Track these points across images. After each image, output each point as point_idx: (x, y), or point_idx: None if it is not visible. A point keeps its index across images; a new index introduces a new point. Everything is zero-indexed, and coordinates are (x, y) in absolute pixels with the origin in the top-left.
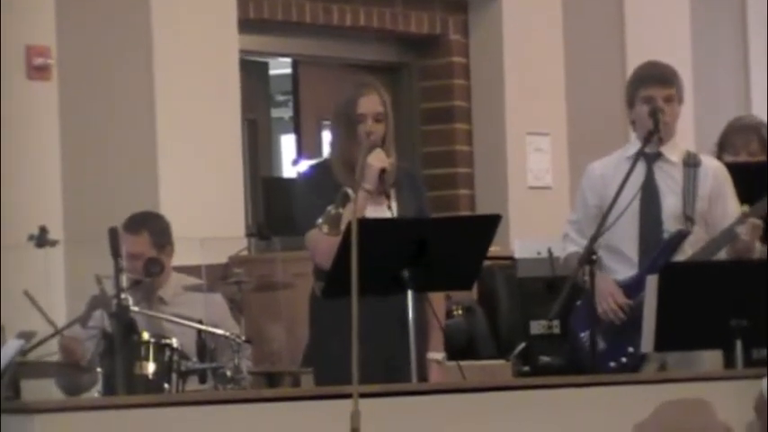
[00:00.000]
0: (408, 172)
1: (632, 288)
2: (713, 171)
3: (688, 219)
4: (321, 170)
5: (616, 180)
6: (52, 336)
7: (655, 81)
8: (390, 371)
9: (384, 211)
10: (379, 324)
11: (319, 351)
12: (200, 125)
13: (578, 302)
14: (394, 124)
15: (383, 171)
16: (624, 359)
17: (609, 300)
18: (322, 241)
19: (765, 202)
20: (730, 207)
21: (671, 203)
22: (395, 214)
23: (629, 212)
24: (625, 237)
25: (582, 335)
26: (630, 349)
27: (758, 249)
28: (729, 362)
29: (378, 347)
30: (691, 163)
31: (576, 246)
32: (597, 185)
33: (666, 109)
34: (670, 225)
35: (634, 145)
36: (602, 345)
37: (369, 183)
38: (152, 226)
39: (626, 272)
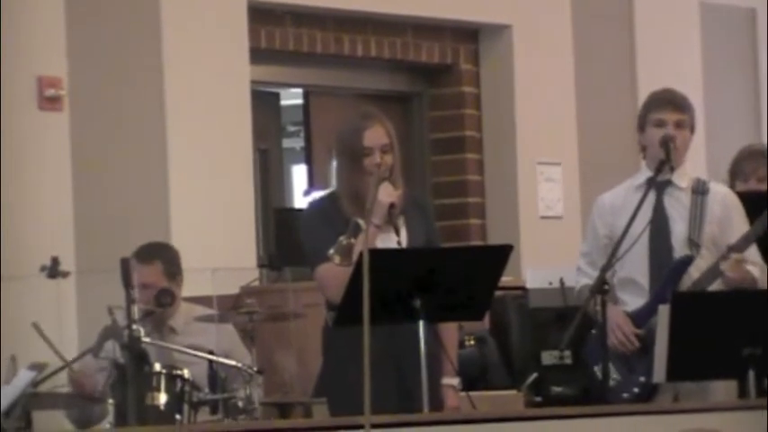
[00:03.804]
0: (416, 199)
1: (641, 317)
2: (721, 197)
3: (694, 244)
4: (330, 201)
5: (625, 210)
6: (63, 367)
7: (667, 105)
8: (406, 398)
9: (392, 242)
10: (394, 352)
11: (333, 380)
12: (211, 155)
13: (592, 332)
14: (405, 154)
15: (392, 206)
16: (636, 389)
17: (617, 331)
18: (333, 276)
19: (747, 237)
20: (739, 233)
21: (680, 229)
22: (403, 245)
23: (639, 241)
24: (637, 266)
25: (596, 367)
26: (642, 379)
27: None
28: (744, 391)
29: (393, 375)
30: (699, 190)
31: (588, 278)
32: (606, 216)
33: (677, 135)
34: (680, 251)
35: (643, 174)
36: (616, 376)
37: (377, 218)
38: (164, 256)
39: (639, 302)
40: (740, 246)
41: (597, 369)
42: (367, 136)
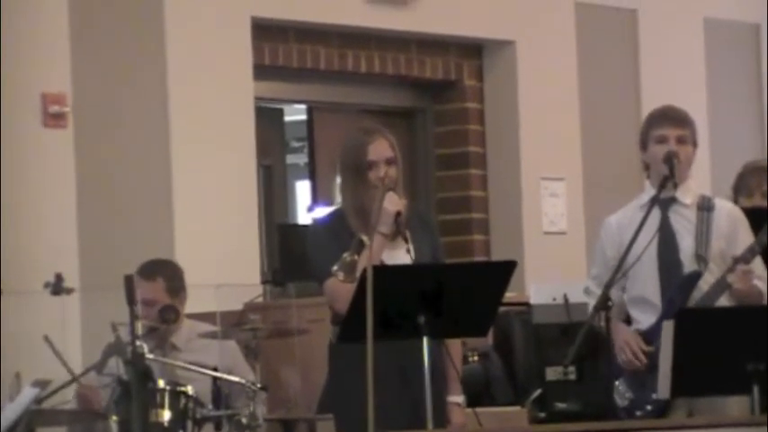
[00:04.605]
0: (420, 213)
1: (653, 334)
2: (727, 212)
3: (701, 259)
4: (336, 217)
5: (632, 229)
6: (67, 384)
7: (667, 121)
8: (414, 412)
9: (403, 254)
10: (402, 365)
11: (339, 396)
12: (215, 171)
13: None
14: (409, 169)
15: (398, 214)
16: (649, 407)
17: (626, 348)
18: (342, 290)
19: (752, 248)
20: (745, 247)
21: (688, 244)
22: (414, 257)
23: (648, 259)
24: (647, 283)
25: (616, 383)
26: (654, 396)
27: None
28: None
29: (401, 389)
30: (704, 206)
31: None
32: (614, 237)
33: (680, 150)
34: (689, 266)
35: (647, 193)
36: (629, 395)
37: (384, 227)
38: (166, 272)
39: (653, 320)
40: (746, 257)
41: (617, 384)
42: (371, 150)
